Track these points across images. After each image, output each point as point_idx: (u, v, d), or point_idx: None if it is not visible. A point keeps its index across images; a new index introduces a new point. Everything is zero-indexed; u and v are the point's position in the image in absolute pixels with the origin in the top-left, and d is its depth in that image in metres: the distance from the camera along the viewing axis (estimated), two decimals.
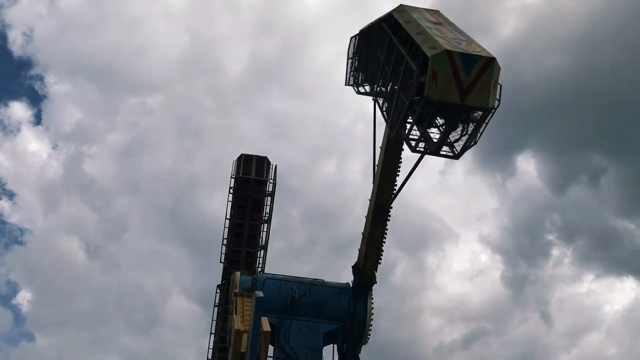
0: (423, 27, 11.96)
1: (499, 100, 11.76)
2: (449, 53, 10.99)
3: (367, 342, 16.71)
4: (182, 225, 61.20)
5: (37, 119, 68.43)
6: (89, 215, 61.87)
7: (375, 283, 16.56)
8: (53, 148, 67.10)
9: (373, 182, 16.01)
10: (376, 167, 15.79)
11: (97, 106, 64.43)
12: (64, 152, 65.39)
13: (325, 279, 17.26)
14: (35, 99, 69.71)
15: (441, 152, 12.36)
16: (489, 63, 11.29)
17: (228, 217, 22.23)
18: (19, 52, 64.33)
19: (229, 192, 21.98)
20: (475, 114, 11.54)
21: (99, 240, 61.99)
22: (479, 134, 11.96)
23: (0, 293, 66.60)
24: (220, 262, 23.25)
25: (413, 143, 12.09)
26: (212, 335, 22.84)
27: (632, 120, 47.13)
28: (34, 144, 67.65)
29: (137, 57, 65.18)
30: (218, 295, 23.20)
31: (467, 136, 12.01)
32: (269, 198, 22.28)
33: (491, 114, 11.69)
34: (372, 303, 16.50)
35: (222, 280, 23.48)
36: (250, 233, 22.14)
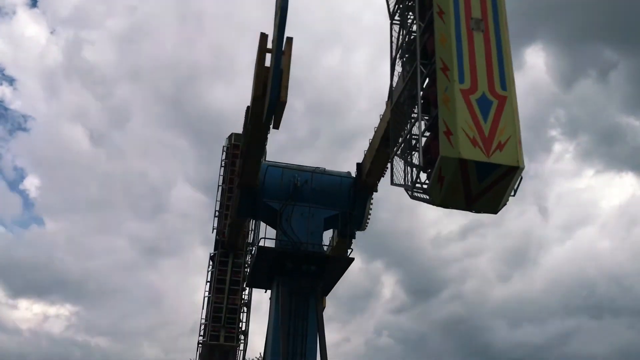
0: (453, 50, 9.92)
1: (515, 192, 9.99)
2: (462, 163, 9.02)
3: (366, 228, 17.35)
4: (185, 114, 61.18)
5: (33, 1, 66.42)
6: (91, 103, 61.75)
7: (377, 192, 16.83)
8: (51, 33, 65.60)
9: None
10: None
11: None
12: (62, 37, 64.04)
13: (327, 169, 17.61)
14: None
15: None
16: (510, 172, 9.34)
17: None
18: None
19: None
20: None
21: (102, 128, 62.29)
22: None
23: (8, 178, 68.06)
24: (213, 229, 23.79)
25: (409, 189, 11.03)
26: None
27: None
28: (31, 28, 66.10)
29: None
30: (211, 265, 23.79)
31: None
32: None
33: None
34: (372, 204, 17.04)
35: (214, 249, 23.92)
36: None
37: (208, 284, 23.65)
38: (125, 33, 62.63)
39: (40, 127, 66.65)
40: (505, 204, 9.85)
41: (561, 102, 55.83)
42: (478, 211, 9.90)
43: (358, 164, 16.85)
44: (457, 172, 9.00)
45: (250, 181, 16.04)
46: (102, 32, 64.17)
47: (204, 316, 23.05)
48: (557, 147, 58.34)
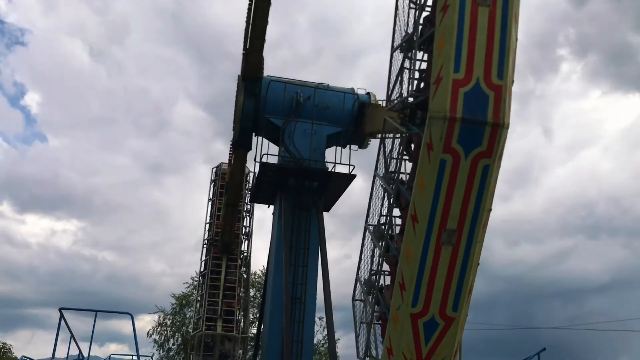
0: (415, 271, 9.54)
1: None
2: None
3: (368, 146, 17.35)
4: (185, 29, 59.69)
5: None
6: (89, 16, 60.13)
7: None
8: None
9: None
10: None
11: None
12: None
13: (331, 85, 17.36)
14: None
15: None
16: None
17: None
18: None
19: None
20: None
21: (102, 43, 60.96)
22: None
23: (9, 94, 67.41)
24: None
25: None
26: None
27: None
28: None
29: None
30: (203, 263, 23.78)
31: None
32: None
33: None
34: None
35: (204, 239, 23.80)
36: None
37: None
38: None
39: (39, 41, 65.51)
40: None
41: (572, 20, 54.35)
42: None
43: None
44: None
45: (255, 69, 15.60)
46: None
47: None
48: (565, 67, 57.38)
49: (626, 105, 59.63)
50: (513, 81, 9.40)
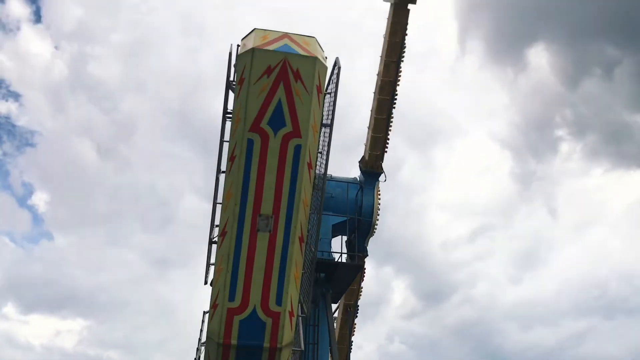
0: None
1: None
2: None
3: (374, 233, 17.23)
4: (191, 125, 61.34)
5: (37, 17, 66.81)
6: (97, 117, 62.02)
7: (382, 173, 16.91)
8: (56, 48, 66.02)
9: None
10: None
11: (98, 2, 62.65)
12: (67, 51, 64.36)
13: (334, 175, 17.54)
14: None
15: None
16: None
17: None
18: None
19: None
20: None
21: (109, 141, 62.57)
22: None
23: (17, 194, 68.38)
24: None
25: None
26: None
27: None
28: (35, 44, 66.47)
29: None
30: None
31: None
32: None
33: None
34: (379, 195, 16.86)
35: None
36: None
37: None
38: (129, 47, 62.99)
39: (47, 142, 67.06)
40: None
41: (567, 102, 55.50)
42: None
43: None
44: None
45: None
46: (107, 46, 64.56)
47: None
48: (564, 147, 58.04)
49: (629, 182, 59.80)
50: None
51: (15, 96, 66.87)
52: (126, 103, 64.26)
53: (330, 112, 10.11)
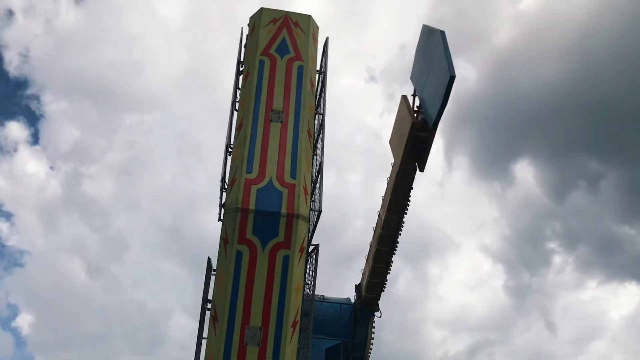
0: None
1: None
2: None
3: (369, 356, 16.66)
4: (182, 243, 61.15)
5: (35, 139, 68.55)
6: (89, 235, 61.83)
7: (378, 311, 16.04)
8: (51, 168, 67.20)
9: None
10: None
11: (95, 124, 64.68)
12: (62, 171, 65.46)
13: (326, 294, 17.21)
14: (32, 119, 69.78)
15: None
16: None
17: None
18: (15, 73, 64.51)
19: None
20: None
21: (99, 260, 61.93)
22: None
23: (1, 317, 66.37)
24: None
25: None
26: None
27: (628, 126, 47.36)
28: (31, 164, 67.74)
29: (134, 74, 65.57)
30: None
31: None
32: None
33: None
34: (374, 326, 16.43)
35: None
36: None
37: None
38: (124, 166, 64.28)
39: (36, 261, 66.22)
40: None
41: (555, 215, 56.21)
42: None
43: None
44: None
45: None
46: (102, 165, 65.88)
47: None
48: (557, 259, 57.94)
49: (624, 293, 59.13)
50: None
51: (8, 216, 66.79)
52: (118, 221, 64.47)
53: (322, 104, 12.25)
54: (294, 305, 9.17)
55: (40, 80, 68.06)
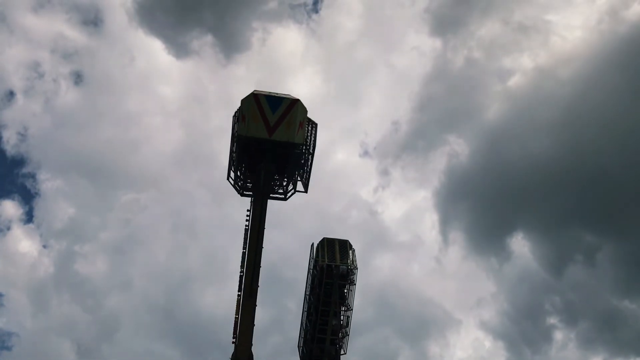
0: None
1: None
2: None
3: None
4: (175, 322, 59.73)
5: (29, 217, 68.37)
6: (80, 315, 60.39)
7: None
8: (44, 246, 66.44)
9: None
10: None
11: (90, 202, 64.73)
12: (55, 249, 64.79)
13: None
14: (27, 197, 70.03)
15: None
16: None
17: None
18: (12, 151, 65.30)
19: None
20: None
21: (90, 340, 60.11)
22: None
23: None
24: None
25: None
26: None
27: (619, 197, 47.71)
28: (24, 243, 67.09)
29: (130, 152, 66.36)
30: None
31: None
32: None
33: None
34: None
35: None
36: None
37: None
38: (118, 244, 63.78)
39: (25, 343, 64.22)
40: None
41: (554, 289, 55.55)
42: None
43: None
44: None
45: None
46: (95, 244, 65.29)
47: None
48: (558, 335, 56.70)
49: None
50: None
51: None
52: (110, 300, 63.14)
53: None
54: None
55: (36, 158, 68.72)
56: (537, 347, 53.43)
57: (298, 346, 26.44)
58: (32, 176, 73.01)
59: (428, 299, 57.57)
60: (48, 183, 69.81)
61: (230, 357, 19.44)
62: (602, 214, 51.01)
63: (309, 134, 16.65)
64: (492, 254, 58.06)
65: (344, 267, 22.80)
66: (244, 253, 20.32)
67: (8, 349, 64.04)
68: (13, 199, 70.29)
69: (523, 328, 53.77)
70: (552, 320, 55.34)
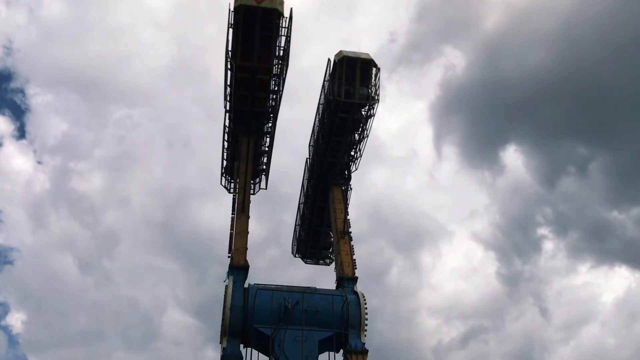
0: None
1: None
2: None
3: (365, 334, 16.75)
4: (174, 237, 61.00)
5: (21, 133, 67.83)
6: (79, 231, 61.49)
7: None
8: (39, 162, 66.56)
9: None
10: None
11: (83, 118, 64.08)
12: (50, 165, 64.83)
13: (318, 286, 17.27)
14: (18, 112, 69.10)
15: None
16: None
17: None
18: None
19: None
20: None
21: (91, 256, 61.62)
22: None
23: None
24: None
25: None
26: None
27: (614, 110, 47.70)
28: (18, 159, 67.09)
29: (122, 67, 64.92)
30: None
31: None
32: None
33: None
34: (366, 306, 16.58)
35: None
36: None
37: None
38: (113, 161, 63.80)
39: (26, 258, 65.72)
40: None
41: (546, 200, 56.53)
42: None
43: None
44: None
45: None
46: (91, 161, 65.34)
47: None
48: (549, 245, 58.38)
49: (614, 277, 59.75)
50: None
51: None
52: (108, 216, 64.10)
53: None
54: None
55: (24, 73, 67.28)
56: (527, 256, 55.08)
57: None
58: (21, 91, 71.64)
59: (421, 211, 58.65)
60: (38, 98, 68.59)
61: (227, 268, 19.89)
62: (596, 125, 51.21)
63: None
64: (486, 167, 58.64)
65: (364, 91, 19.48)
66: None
67: (10, 262, 65.65)
68: (4, 114, 69.34)
69: (514, 239, 55.23)
70: (543, 231, 56.81)
